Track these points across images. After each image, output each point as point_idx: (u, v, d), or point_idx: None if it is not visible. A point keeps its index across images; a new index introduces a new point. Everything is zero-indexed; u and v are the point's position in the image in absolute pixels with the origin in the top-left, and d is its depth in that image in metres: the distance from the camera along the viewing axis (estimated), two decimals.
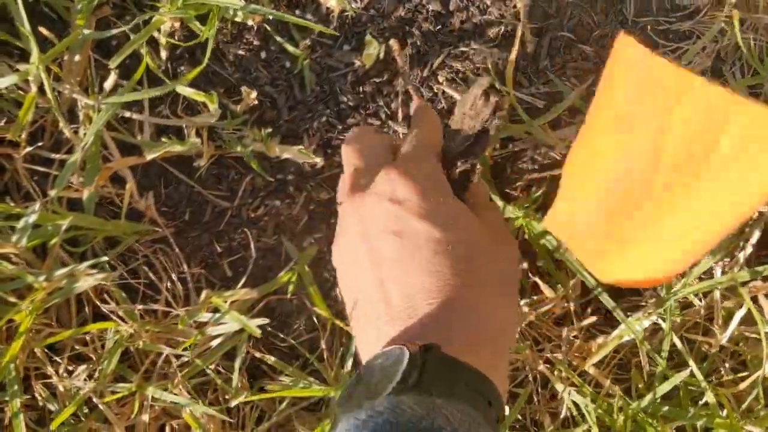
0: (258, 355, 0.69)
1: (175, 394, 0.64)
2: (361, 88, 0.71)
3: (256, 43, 0.70)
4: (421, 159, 0.57)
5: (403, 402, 0.42)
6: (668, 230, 0.42)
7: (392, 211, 0.53)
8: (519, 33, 0.67)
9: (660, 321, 0.65)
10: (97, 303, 0.65)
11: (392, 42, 0.70)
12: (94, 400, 0.64)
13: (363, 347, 0.55)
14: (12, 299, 0.61)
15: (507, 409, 0.68)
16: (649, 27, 0.70)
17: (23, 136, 0.64)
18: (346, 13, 0.70)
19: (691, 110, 0.38)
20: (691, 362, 0.63)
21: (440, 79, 0.71)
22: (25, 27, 0.59)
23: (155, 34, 0.65)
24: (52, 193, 0.62)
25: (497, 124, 0.60)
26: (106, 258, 0.62)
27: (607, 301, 0.65)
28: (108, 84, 0.64)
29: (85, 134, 0.64)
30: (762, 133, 0.36)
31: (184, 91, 0.64)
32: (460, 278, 0.52)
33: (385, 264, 0.53)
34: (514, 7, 0.70)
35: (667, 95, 0.39)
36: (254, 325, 0.62)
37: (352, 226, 0.56)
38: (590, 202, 0.48)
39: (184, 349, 0.64)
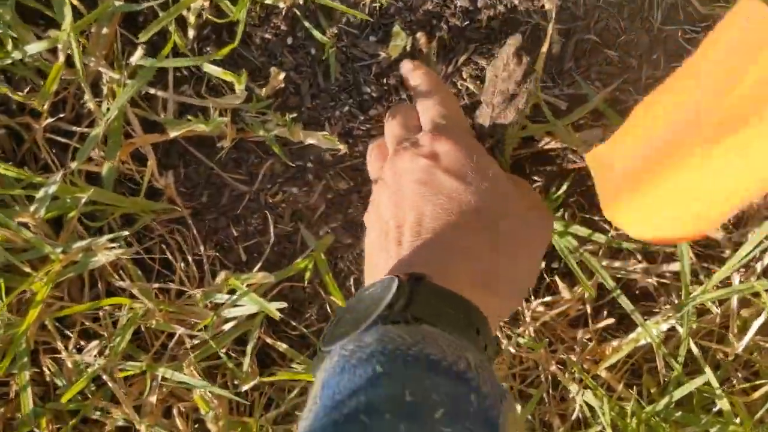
0: (269, 341, 0.68)
1: (186, 375, 0.63)
2: (384, 80, 0.71)
3: (283, 27, 0.70)
4: (458, 130, 0.60)
5: (391, 331, 0.41)
6: (695, 179, 0.42)
7: (425, 165, 0.56)
8: (549, 32, 0.66)
9: (677, 326, 0.65)
10: (111, 279, 0.64)
11: (420, 35, 0.70)
12: (104, 377, 0.63)
13: None
14: (26, 269, 0.60)
15: (519, 408, 0.68)
16: (678, 35, 0.70)
17: (45, 106, 0.63)
18: (375, 4, 0.70)
19: None
20: (708, 370, 0.63)
21: (464, 75, 0.71)
22: None
23: (183, 12, 0.65)
24: (73, 165, 0.61)
25: (529, 89, 0.61)
26: (126, 233, 0.62)
27: (626, 303, 0.65)
28: (134, 59, 0.63)
29: (108, 108, 0.63)
30: None
31: (212, 69, 0.63)
32: (475, 228, 0.54)
33: (406, 209, 0.55)
34: (542, 7, 0.70)
35: (754, 47, 0.38)
36: (273, 308, 0.61)
37: (387, 182, 0.59)
38: (635, 145, 0.48)
39: (199, 330, 0.63)
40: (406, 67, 0.67)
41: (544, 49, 0.67)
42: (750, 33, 0.40)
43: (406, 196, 0.56)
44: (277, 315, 0.62)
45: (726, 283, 0.66)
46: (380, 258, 0.56)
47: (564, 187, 0.68)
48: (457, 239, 0.53)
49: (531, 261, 0.58)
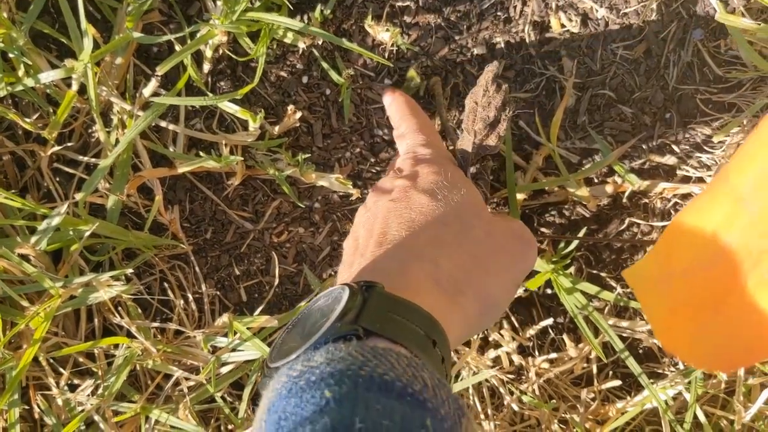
0: None
1: (179, 418, 0.61)
2: None
3: (299, 66, 0.69)
4: (437, 154, 0.61)
5: (341, 350, 0.39)
6: (761, 318, 0.41)
7: (401, 185, 0.57)
8: (569, 87, 0.66)
9: (684, 392, 0.64)
10: (109, 315, 0.62)
11: (434, 80, 0.69)
12: (95, 418, 0.61)
13: None
14: (24, 303, 0.58)
15: None
16: (693, 94, 0.70)
17: (54, 134, 0.61)
18: (392, 48, 0.69)
19: None
20: None
21: None
22: (81, 24, 0.57)
23: (201, 47, 0.64)
24: (78, 196, 0.59)
25: (509, 116, 0.61)
26: (130, 270, 0.59)
27: (634, 366, 0.64)
28: (148, 90, 0.62)
29: (117, 139, 0.61)
30: None
31: (228, 108, 0.62)
32: (441, 239, 0.53)
33: (375, 224, 0.55)
34: (559, 60, 0.70)
35: None
36: None
37: (367, 204, 0.59)
38: (681, 266, 0.46)
39: (196, 373, 0.61)
40: (386, 97, 0.67)
41: (564, 103, 0.67)
42: None
43: (379, 212, 0.56)
44: None
45: None
46: (345, 273, 0.54)
47: (573, 244, 0.67)
48: (420, 247, 0.52)
49: (504, 274, 0.56)
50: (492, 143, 0.63)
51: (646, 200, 0.71)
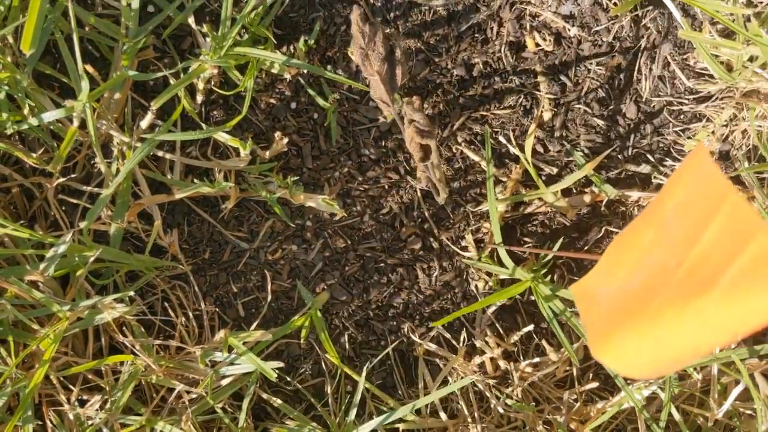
0: (265, 396, 0.70)
1: (182, 429, 0.65)
2: (383, 143, 0.74)
3: (287, 93, 0.73)
4: None
5: None
6: (668, 331, 0.44)
7: None
8: (545, 103, 0.69)
9: (659, 391, 0.67)
10: (115, 335, 0.66)
11: (414, 98, 0.73)
12: (104, 431, 0.65)
13: None
14: (34, 326, 0.63)
15: None
16: (664, 106, 0.73)
17: (58, 167, 0.65)
18: None
19: (722, 224, 0.40)
20: None
21: (459, 139, 0.74)
22: (78, 67, 0.61)
23: (193, 80, 0.68)
24: (83, 224, 0.64)
25: (400, 42, 0.62)
26: (132, 293, 0.64)
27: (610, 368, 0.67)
28: (144, 123, 0.66)
29: (118, 170, 0.66)
30: None
31: (221, 137, 0.66)
32: None
33: None
34: (535, 77, 0.73)
35: (711, 207, 0.41)
36: (270, 368, 0.63)
37: None
38: (615, 283, 0.50)
39: (197, 386, 0.65)
40: None
41: (535, 123, 0.70)
42: (703, 193, 0.42)
43: None
44: (274, 376, 0.64)
45: None
46: None
47: (552, 254, 0.71)
48: None
49: None
50: (399, 78, 0.65)
51: (624, 208, 0.74)
